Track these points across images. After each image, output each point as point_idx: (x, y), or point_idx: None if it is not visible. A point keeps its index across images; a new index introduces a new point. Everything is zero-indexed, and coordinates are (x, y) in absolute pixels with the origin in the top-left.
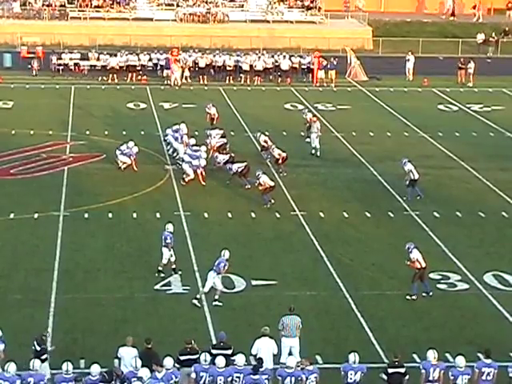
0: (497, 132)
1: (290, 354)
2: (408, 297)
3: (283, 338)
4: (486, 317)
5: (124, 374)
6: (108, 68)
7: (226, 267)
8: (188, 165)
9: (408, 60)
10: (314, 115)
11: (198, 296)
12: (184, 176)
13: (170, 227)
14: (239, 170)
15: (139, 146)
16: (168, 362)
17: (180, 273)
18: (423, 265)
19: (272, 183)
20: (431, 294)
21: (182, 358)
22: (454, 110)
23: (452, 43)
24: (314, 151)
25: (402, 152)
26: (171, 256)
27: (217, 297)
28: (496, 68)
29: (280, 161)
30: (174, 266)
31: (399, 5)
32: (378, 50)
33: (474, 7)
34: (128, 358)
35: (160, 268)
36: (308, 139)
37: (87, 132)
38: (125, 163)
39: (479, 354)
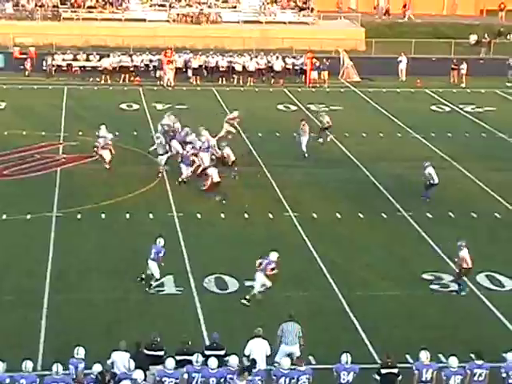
0: (489, 133)
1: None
2: (462, 292)
3: (282, 344)
4: (479, 317)
5: (117, 375)
6: (101, 69)
7: (269, 267)
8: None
9: (400, 61)
10: (303, 119)
11: (247, 296)
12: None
13: (162, 241)
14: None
15: (131, 147)
16: (169, 363)
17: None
18: (469, 265)
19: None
20: (463, 293)
21: (178, 358)
22: (447, 110)
23: (445, 44)
24: (306, 154)
25: (395, 153)
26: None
27: (248, 297)
28: (488, 69)
29: (229, 163)
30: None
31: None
32: (370, 51)
33: (404, 6)
34: (121, 362)
35: (153, 283)
36: (321, 139)
37: (80, 133)
38: (106, 160)
39: (471, 355)
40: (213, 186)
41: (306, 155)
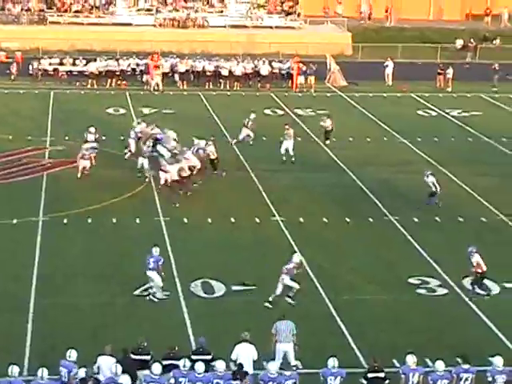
0: (475, 137)
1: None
2: (485, 297)
3: (277, 343)
4: (465, 321)
5: (100, 381)
6: (87, 73)
7: (293, 270)
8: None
9: (387, 65)
10: (287, 123)
11: (270, 299)
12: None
13: (158, 250)
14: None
15: (118, 151)
16: (156, 368)
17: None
18: (484, 269)
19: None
20: (473, 299)
21: (164, 362)
22: (433, 115)
23: (431, 49)
24: (293, 158)
25: (382, 157)
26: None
27: (291, 294)
28: (474, 73)
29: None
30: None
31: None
32: (357, 56)
33: (386, 11)
34: (106, 367)
35: (154, 291)
36: (328, 141)
37: (66, 137)
38: (84, 167)
39: (458, 359)
40: (166, 186)
41: (293, 159)
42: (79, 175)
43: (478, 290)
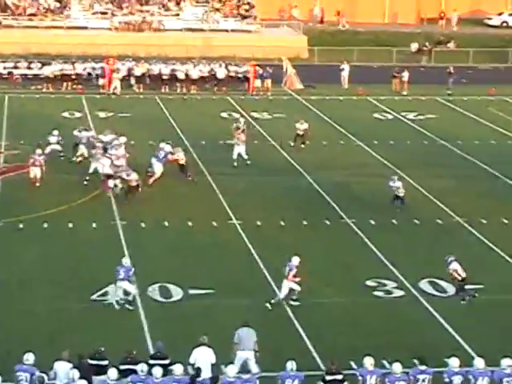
0: (430, 140)
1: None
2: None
3: (238, 351)
4: (422, 323)
5: None
6: (42, 77)
7: (292, 273)
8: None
9: (343, 69)
10: (239, 128)
11: (272, 301)
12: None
13: (128, 260)
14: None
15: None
16: (112, 373)
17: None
18: (463, 275)
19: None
20: (462, 302)
21: (122, 367)
22: (389, 118)
23: (386, 52)
24: (248, 162)
25: (338, 160)
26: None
27: (294, 297)
28: (429, 77)
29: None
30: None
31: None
32: (313, 59)
33: (338, 14)
34: (62, 372)
35: (130, 299)
36: (303, 145)
37: (22, 141)
38: (36, 175)
39: (415, 361)
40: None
41: (248, 162)
42: (37, 184)
43: (464, 294)
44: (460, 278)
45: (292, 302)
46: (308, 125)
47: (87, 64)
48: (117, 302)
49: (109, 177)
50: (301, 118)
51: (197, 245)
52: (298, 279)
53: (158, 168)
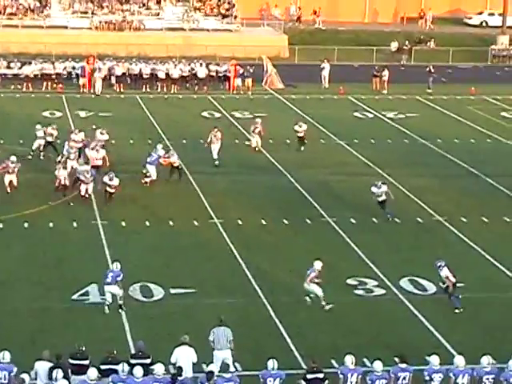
0: (411, 139)
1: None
2: (456, 310)
3: (215, 351)
4: (403, 321)
5: None
6: (22, 76)
7: (312, 275)
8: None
9: (323, 68)
10: (219, 129)
11: (323, 303)
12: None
13: (119, 265)
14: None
15: (53, 155)
16: (92, 373)
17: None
18: (454, 280)
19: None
20: (456, 311)
21: (103, 367)
22: (370, 117)
23: (366, 51)
24: (217, 162)
25: (319, 159)
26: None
27: (323, 303)
28: (409, 76)
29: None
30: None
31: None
32: (294, 58)
33: (315, 13)
34: (43, 372)
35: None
36: (302, 148)
37: (1, 141)
38: (11, 181)
39: (395, 359)
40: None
41: (217, 163)
42: (8, 190)
43: (456, 300)
44: (452, 284)
45: (328, 307)
46: (306, 126)
47: (67, 63)
48: (108, 306)
49: (76, 181)
50: (300, 120)
51: (178, 244)
52: (317, 280)
53: (152, 170)
